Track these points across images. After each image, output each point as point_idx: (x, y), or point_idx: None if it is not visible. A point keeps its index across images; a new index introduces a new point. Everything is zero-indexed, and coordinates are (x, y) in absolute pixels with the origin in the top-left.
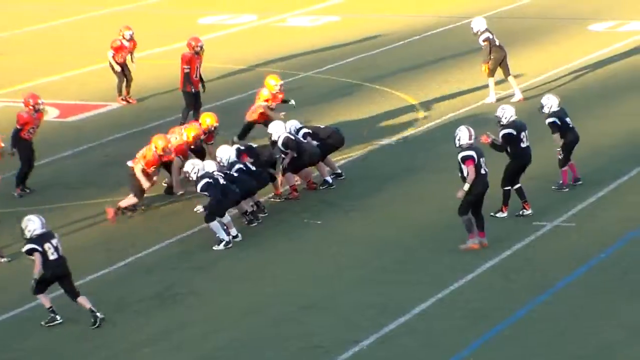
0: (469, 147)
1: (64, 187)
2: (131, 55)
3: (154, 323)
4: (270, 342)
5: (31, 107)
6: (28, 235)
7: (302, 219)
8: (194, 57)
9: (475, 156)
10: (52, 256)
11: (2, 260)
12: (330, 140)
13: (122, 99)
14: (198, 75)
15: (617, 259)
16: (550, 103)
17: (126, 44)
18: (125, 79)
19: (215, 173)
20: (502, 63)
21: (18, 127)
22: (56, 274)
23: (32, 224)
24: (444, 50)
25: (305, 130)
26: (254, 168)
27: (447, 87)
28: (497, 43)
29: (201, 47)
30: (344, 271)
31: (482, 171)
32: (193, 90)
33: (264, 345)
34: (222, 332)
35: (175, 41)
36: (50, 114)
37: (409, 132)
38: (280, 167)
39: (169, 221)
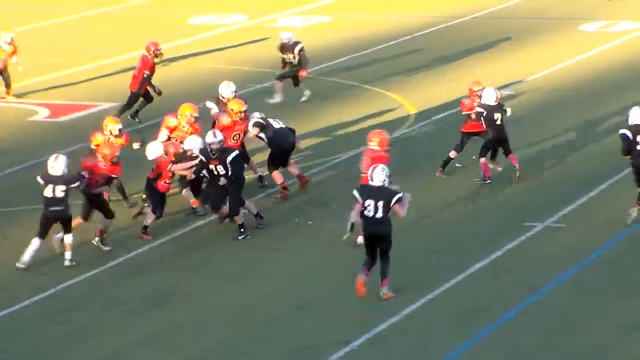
0: None
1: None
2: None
3: (145, 324)
4: (261, 342)
5: (152, 53)
6: None
7: (292, 220)
8: (153, 62)
9: None
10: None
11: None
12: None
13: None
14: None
15: (608, 259)
16: None
17: (5, 47)
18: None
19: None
20: None
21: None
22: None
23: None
24: (435, 51)
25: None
26: None
27: (437, 87)
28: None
29: (160, 53)
30: (334, 272)
31: None
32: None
33: (255, 345)
34: (213, 332)
35: (165, 41)
36: (41, 114)
37: (399, 132)
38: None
39: (160, 221)
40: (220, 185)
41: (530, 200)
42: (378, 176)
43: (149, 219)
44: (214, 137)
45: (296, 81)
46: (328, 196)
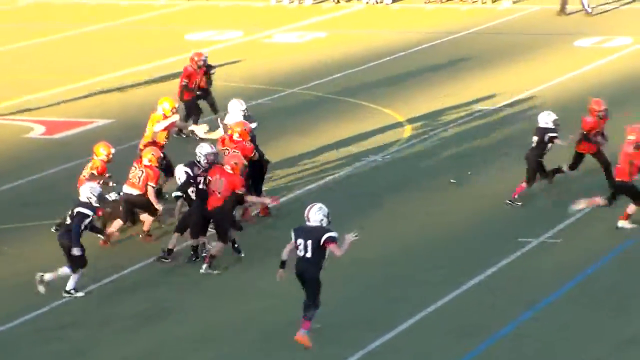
0: None
1: (53, 203)
2: None
3: (141, 340)
4: (257, 358)
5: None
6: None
7: (289, 236)
8: (195, 71)
9: None
10: None
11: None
12: None
13: None
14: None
15: (604, 274)
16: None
17: None
18: None
19: None
20: None
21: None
22: None
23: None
24: (430, 67)
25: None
26: None
27: (433, 103)
28: None
29: (204, 62)
30: (329, 288)
31: None
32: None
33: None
34: (209, 348)
35: (162, 57)
36: (37, 131)
37: (395, 148)
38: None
39: (154, 238)
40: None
41: (525, 216)
42: (314, 216)
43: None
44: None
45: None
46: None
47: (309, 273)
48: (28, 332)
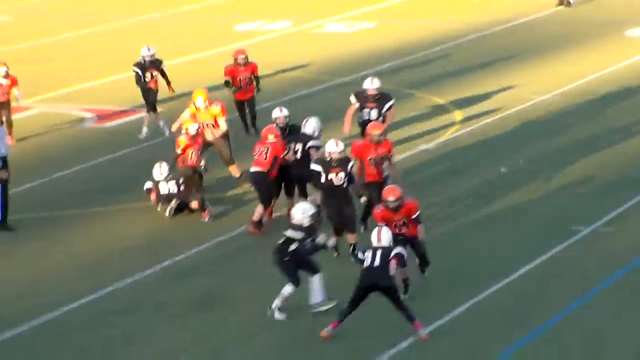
0: None
1: (103, 191)
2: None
3: (192, 327)
4: (307, 346)
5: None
6: None
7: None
8: (235, 67)
9: None
10: None
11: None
12: None
13: None
14: (243, 85)
15: None
16: None
17: (2, 81)
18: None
19: None
20: None
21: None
22: None
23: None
24: (479, 56)
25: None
26: None
27: (483, 92)
28: None
29: (243, 59)
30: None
31: None
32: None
33: (301, 349)
34: (260, 336)
35: (212, 47)
36: (88, 120)
37: (445, 137)
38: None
39: (209, 224)
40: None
41: (578, 204)
42: (385, 236)
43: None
44: (335, 147)
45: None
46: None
47: (383, 282)
48: (81, 318)
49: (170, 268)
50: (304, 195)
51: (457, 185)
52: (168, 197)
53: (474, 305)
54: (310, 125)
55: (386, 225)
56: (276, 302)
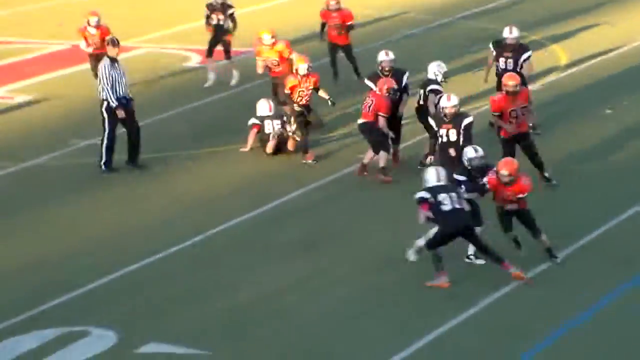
0: None
1: (206, 133)
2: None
3: (296, 268)
4: (409, 288)
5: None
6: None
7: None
8: (327, 12)
9: None
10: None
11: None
12: None
13: None
14: (336, 30)
15: None
16: None
17: (92, 31)
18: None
19: None
20: None
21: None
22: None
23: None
24: None
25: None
26: None
27: (591, 33)
28: None
29: (334, 5)
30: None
31: None
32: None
33: (403, 291)
34: (365, 276)
35: None
36: (193, 60)
37: (552, 78)
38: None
39: (312, 166)
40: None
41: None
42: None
43: (381, 160)
44: (447, 101)
45: (228, 53)
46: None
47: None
48: (188, 258)
49: (274, 210)
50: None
51: (561, 129)
52: (271, 135)
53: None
54: (430, 70)
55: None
56: (418, 243)
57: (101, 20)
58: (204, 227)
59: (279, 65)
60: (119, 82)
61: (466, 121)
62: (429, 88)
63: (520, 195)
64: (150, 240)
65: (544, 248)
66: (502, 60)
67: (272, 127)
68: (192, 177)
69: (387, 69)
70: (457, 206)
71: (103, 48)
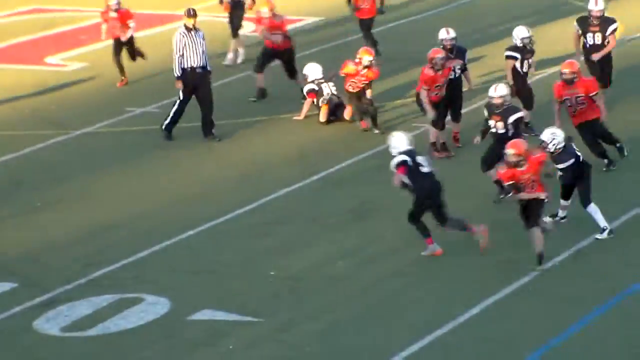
0: None
1: (261, 103)
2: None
3: (347, 237)
4: (464, 255)
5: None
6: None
7: None
8: None
9: None
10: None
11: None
12: None
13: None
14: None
15: None
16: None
17: (113, 15)
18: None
19: None
20: None
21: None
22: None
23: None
24: None
25: None
26: None
27: None
28: None
29: None
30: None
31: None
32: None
33: (457, 259)
34: (414, 247)
35: None
36: (246, 29)
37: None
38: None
39: (364, 135)
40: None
41: None
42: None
43: (431, 135)
44: (494, 92)
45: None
46: None
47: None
48: (240, 227)
49: (326, 178)
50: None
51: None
52: (321, 100)
53: (563, 261)
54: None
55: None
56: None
57: (121, 3)
58: (257, 195)
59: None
60: (193, 52)
61: (514, 117)
62: (505, 54)
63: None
64: (204, 208)
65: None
66: (589, 35)
67: (329, 90)
68: (245, 145)
69: (448, 47)
70: (432, 169)
71: (123, 33)
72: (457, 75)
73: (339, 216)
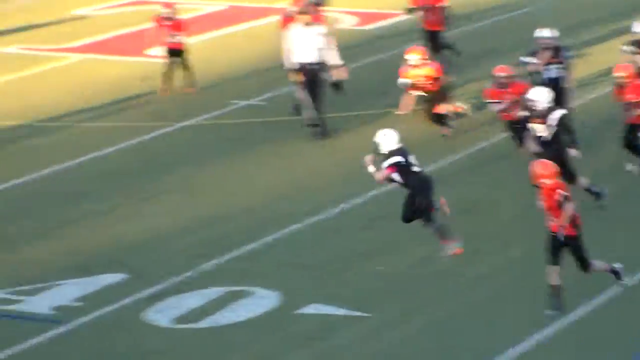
0: None
1: (364, 94)
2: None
3: (455, 232)
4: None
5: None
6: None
7: None
8: None
9: None
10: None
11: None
12: None
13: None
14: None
15: None
16: None
17: (166, 23)
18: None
19: None
20: None
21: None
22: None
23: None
24: None
25: None
26: None
27: None
28: None
29: None
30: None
31: None
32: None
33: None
34: (520, 243)
35: None
36: (348, 22)
37: None
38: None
39: (469, 133)
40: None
41: None
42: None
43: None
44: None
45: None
46: None
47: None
48: (347, 221)
49: (432, 173)
50: None
51: None
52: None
53: None
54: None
55: None
56: None
57: (176, 13)
58: (363, 189)
59: None
60: (307, 47)
61: (555, 116)
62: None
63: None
64: (311, 202)
65: None
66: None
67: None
68: (351, 139)
69: (544, 46)
70: (421, 168)
71: (177, 43)
72: (556, 75)
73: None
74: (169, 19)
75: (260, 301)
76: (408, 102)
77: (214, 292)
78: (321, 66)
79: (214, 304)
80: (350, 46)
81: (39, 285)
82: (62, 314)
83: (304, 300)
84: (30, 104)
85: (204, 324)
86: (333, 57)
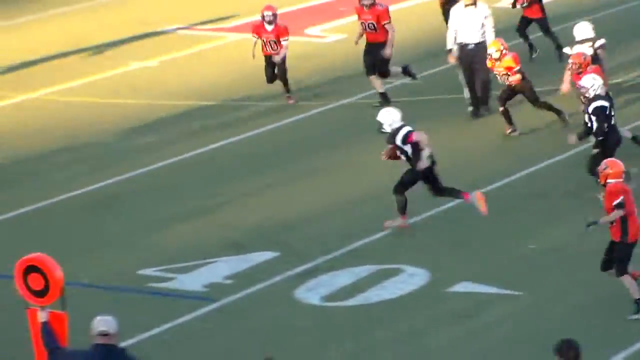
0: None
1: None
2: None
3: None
4: None
5: None
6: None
7: None
8: None
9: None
10: None
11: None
12: None
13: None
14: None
15: None
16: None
17: (267, 27)
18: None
19: None
20: None
21: None
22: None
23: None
24: None
25: None
26: None
27: None
28: None
29: None
30: None
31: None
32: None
33: None
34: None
35: None
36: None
37: None
38: None
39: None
40: None
41: None
42: None
43: None
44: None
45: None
46: None
47: None
48: (498, 199)
49: (580, 154)
50: None
51: None
52: None
53: None
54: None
55: None
56: None
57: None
58: (513, 169)
59: None
60: (466, 28)
61: (591, 107)
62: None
63: None
64: (463, 180)
65: None
66: None
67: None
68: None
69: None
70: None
71: (277, 50)
72: None
73: (579, 198)
74: (271, 22)
75: (411, 279)
76: (567, 79)
77: (365, 269)
78: (482, 46)
79: (364, 282)
80: (508, 27)
81: (191, 263)
82: (214, 291)
83: (454, 278)
84: (191, 84)
85: (353, 301)
86: (491, 38)
